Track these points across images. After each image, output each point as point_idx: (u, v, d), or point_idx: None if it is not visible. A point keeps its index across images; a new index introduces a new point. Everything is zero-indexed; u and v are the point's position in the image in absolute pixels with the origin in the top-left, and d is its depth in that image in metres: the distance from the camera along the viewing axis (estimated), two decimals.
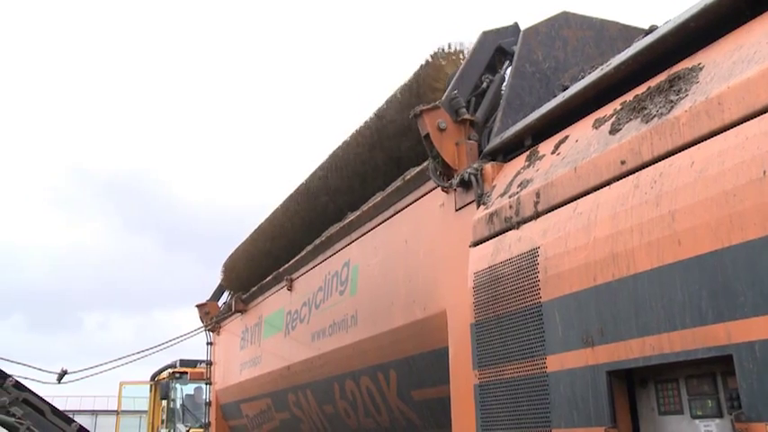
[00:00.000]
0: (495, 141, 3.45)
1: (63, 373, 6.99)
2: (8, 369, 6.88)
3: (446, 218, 3.59)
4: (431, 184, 3.77)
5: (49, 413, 6.74)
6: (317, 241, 5.28)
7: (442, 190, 3.60)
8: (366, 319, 4.40)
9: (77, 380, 7.09)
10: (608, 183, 2.39)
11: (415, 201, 4.00)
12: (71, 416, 7.12)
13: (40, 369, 6.92)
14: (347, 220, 4.82)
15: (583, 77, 3.11)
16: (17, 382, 6.73)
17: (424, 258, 3.84)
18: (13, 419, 6.45)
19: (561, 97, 3.09)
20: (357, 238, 4.70)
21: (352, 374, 4.61)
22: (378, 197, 4.43)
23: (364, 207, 4.60)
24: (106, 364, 7.14)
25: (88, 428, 7.05)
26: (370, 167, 4.80)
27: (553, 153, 2.90)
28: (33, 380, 6.92)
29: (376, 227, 4.44)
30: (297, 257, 5.65)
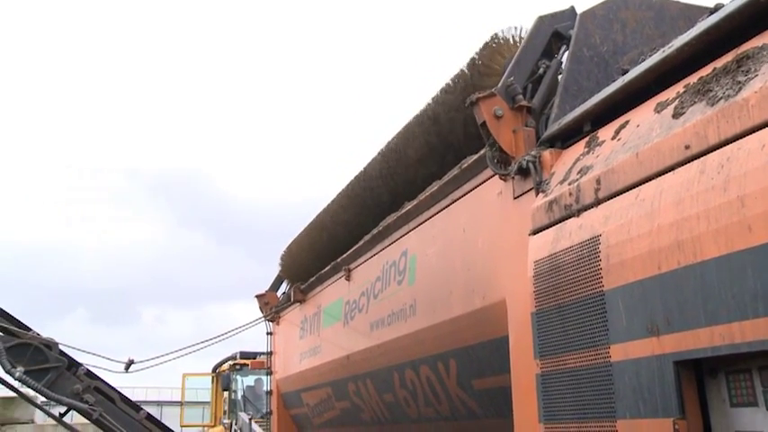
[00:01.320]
0: (553, 128, 3.40)
1: (130, 363, 7.19)
2: (79, 358, 7.13)
3: (504, 206, 3.56)
4: (488, 172, 3.73)
5: (119, 401, 6.96)
6: (375, 231, 5.30)
7: (500, 178, 3.56)
8: (425, 309, 4.40)
9: (144, 369, 7.27)
10: (672, 168, 2.33)
11: (473, 189, 3.98)
12: None
13: (108, 358, 7.12)
14: (404, 210, 4.82)
15: (643, 60, 3.03)
16: (88, 370, 6.97)
17: (482, 247, 3.82)
18: (86, 406, 6.68)
19: (621, 81, 3.02)
20: (414, 228, 4.69)
21: (411, 364, 4.62)
22: (435, 186, 4.42)
23: (421, 196, 4.59)
24: (171, 353, 7.30)
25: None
26: (426, 156, 4.79)
27: (613, 139, 2.84)
28: (102, 368, 7.13)
29: (433, 216, 4.43)
30: (354, 247, 5.68)
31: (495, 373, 3.67)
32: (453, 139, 4.44)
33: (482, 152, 3.76)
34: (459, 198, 4.14)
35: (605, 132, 2.98)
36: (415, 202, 4.69)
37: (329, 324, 6.21)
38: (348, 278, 5.81)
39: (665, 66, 2.75)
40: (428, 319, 4.34)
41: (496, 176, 3.60)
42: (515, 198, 3.46)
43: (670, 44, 2.79)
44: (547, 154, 3.31)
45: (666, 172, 2.36)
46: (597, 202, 2.71)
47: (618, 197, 2.58)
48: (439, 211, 4.38)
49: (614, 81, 3.16)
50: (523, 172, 3.36)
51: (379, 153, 5.49)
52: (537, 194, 3.22)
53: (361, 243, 5.58)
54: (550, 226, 3.00)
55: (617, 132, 2.84)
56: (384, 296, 5.04)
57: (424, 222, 4.58)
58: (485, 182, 3.84)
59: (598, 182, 2.72)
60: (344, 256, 5.89)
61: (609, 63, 3.63)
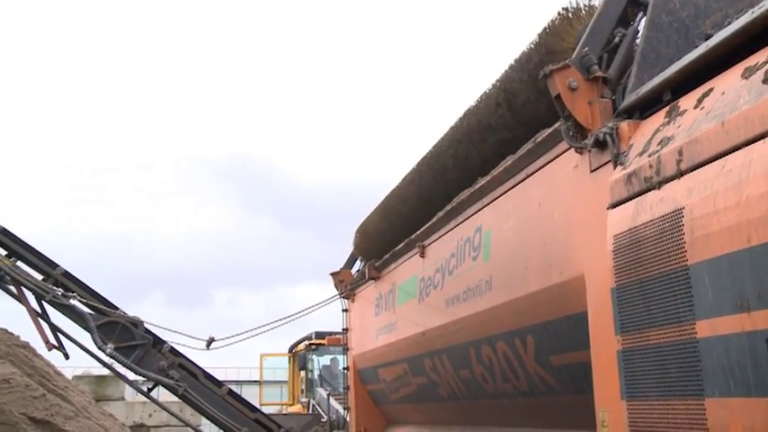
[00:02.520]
0: (631, 98, 3.30)
1: (211, 340, 7.41)
2: (162, 336, 7.39)
3: (581, 180, 3.49)
4: (563, 145, 3.67)
5: (202, 377, 7.21)
6: (448, 207, 5.28)
7: (576, 151, 3.49)
8: (500, 285, 4.38)
9: (224, 346, 7.47)
10: (762, 137, 2.23)
11: (548, 163, 3.91)
12: None
13: (190, 336, 7.36)
14: (478, 185, 4.79)
15: (729, 23, 2.90)
16: (172, 347, 7.23)
17: (558, 222, 3.76)
18: (172, 381, 6.95)
19: (704, 47, 2.90)
20: (489, 203, 4.66)
21: (488, 340, 4.61)
22: (508, 161, 4.37)
23: (495, 171, 4.55)
24: (250, 331, 7.49)
25: None
26: (499, 131, 4.74)
27: (696, 107, 2.74)
28: (185, 345, 7.37)
29: (508, 191, 4.39)
30: (428, 224, 5.68)
31: (574, 348, 3.63)
32: (525, 113, 4.37)
33: (557, 125, 3.69)
34: (534, 172, 4.08)
35: (687, 101, 2.87)
36: (488, 177, 4.65)
37: (404, 301, 6.25)
38: (422, 255, 5.82)
39: (755, 28, 2.62)
40: (504, 295, 4.31)
41: (572, 150, 3.53)
42: (592, 171, 3.39)
43: (760, 4, 2.65)
44: (624, 125, 3.22)
45: (756, 141, 2.26)
46: (679, 174, 2.62)
47: (702, 168, 2.50)
48: (513, 186, 4.33)
49: (696, 47, 3.04)
50: (600, 144, 3.28)
51: (449, 130, 5.45)
52: (615, 167, 3.14)
53: (434, 220, 5.57)
54: (630, 199, 2.92)
55: (700, 101, 2.74)
56: (459, 272, 5.03)
57: (498, 198, 4.54)
58: (560, 155, 3.77)
59: (680, 153, 2.64)
60: (418, 232, 5.90)
61: (690, 28, 3.49)
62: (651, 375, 2.64)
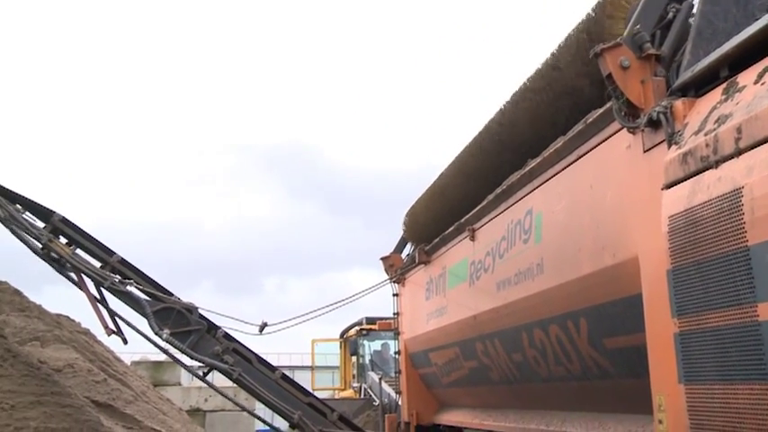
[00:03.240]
0: (686, 75, 3.22)
1: (264, 325, 7.51)
2: (216, 322, 7.53)
3: (634, 160, 3.42)
4: (615, 125, 3.60)
5: (255, 362, 7.33)
6: (498, 190, 5.24)
7: (628, 131, 3.43)
8: (552, 268, 4.34)
9: (277, 331, 7.57)
10: None
11: (599, 144, 3.85)
12: None
13: (243, 321, 7.47)
14: (528, 168, 4.74)
15: None
16: (226, 333, 7.36)
17: (611, 203, 3.70)
18: (226, 366, 7.08)
19: (765, 19, 2.80)
20: (539, 186, 4.61)
21: (540, 323, 4.58)
22: (559, 142, 4.31)
23: (545, 153, 4.50)
24: (302, 315, 7.57)
25: None
26: (548, 111, 4.68)
27: (756, 83, 2.65)
28: (238, 331, 7.49)
29: (558, 173, 4.33)
30: (478, 207, 5.66)
31: (629, 331, 3.58)
32: (575, 94, 4.31)
33: (608, 105, 3.63)
34: (585, 153, 4.02)
35: (746, 77, 2.78)
36: (538, 159, 4.60)
37: (455, 284, 6.24)
38: (472, 238, 5.80)
39: None
40: (556, 278, 4.27)
41: (624, 130, 3.46)
42: (645, 151, 3.32)
43: None
44: (679, 104, 3.14)
45: None
46: (738, 153, 2.55)
47: (763, 146, 2.42)
48: (564, 168, 4.27)
49: (757, 20, 2.94)
50: (654, 124, 3.21)
51: (499, 111, 5.40)
52: (669, 147, 3.07)
53: (484, 203, 5.54)
54: (685, 179, 2.85)
55: (760, 76, 2.65)
56: (510, 255, 5.00)
57: (548, 180, 4.49)
58: (612, 136, 3.71)
59: (739, 131, 2.56)
60: (468, 216, 5.87)
61: (749, 0, 3.38)
62: (711, 359, 2.59)
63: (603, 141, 3.80)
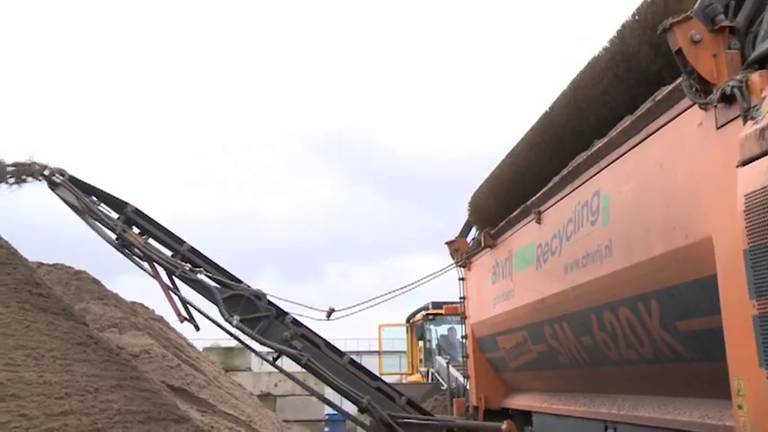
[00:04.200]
0: (763, 47, 3.09)
1: (331, 311, 7.59)
2: (284, 308, 7.64)
3: (706, 137, 3.32)
4: (685, 102, 3.50)
5: (324, 347, 7.41)
6: (564, 172, 5.16)
7: (700, 107, 3.32)
8: (621, 249, 4.26)
9: (344, 316, 7.64)
10: None
11: (669, 122, 3.75)
12: None
13: (310, 307, 7.56)
14: (594, 148, 4.65)
15: None
16: (294, 319, 7.46)
17: (682, 182, 3.60)
18: (295, 351, 7.18)
19: None
20: (606, 166, 4.52)
21: (609, 305, 4.50)
22: (626, 121, 4.21)
23: (612, 133, 4.40)
24: (369, 301, 7.62)
25: None
26: (614, 90, 4.58)
27: None
28: (306, 317, 7.58)
29: (626, 152, 4.24)
30: (544, 189, 5.58)
31: (703, 314, 3.49)
32: (643, 72, 4.20)
33: (678, 81, 3.52)
34: (654, 132, 3.92)
35: None
36: (605, 139, 4.51)
37: (521, 268, 6.18)
38: (539, 221, 5.73)
39: None
40: (626, 260, 4.19)
41: (696, 106, 3.36)
42: (719, 128, 3.21)
43: None
44: (756, 77, 3.01)
45: None
46: None
47: None
48: (632, 148, 4.17)
49: None
50: (728, 99, 3.10)
51: (564, 92, 5.31)
52: (745, 122, 2.96)
53: (550, 185, 5.46)
54: (763, 155, 2.75)
55: None
56: (577, 238, 4.92)
57: (616, 160, 4.39)
58: (682, 113, 3.60)
59: None
60: (534, 198, 5.81)
61: None
62: None
63: (673, 119, 3.70)
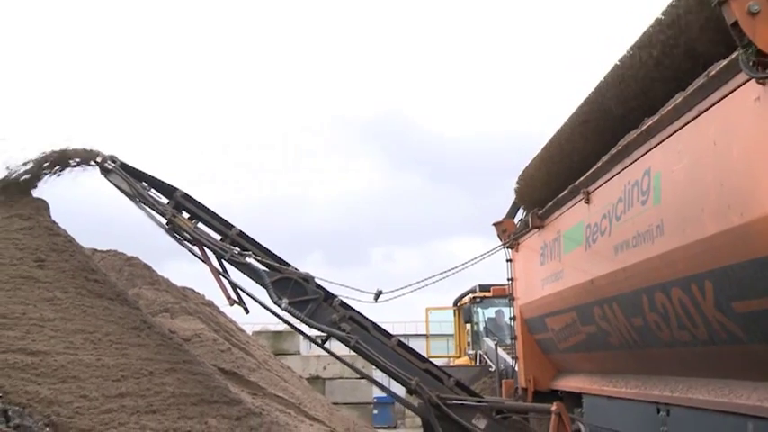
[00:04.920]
0: None
1: (379, 293, 7.62)
2: (331, 291, 7.70)
3: (764, 113, 3.23)
4: (741, 77, 3.40)
5: (372, 329, 7.44)
6: (614, 151, 5.08)
7: (757, 82, 3.23)
8: (673, 229, 4.18)
9: (392, 299, 7.66)
10: None
11: (724, 98, 3.65)
12: None
13: (358, 290, 7.59)
14: (645, 126, 4.56)
15: None
16: (342, 301, 7.51)
17: (737, 160, 3.52)
18: (344, 333, 7.23)
19: None
20: (657, 144, 4.43)
21: (661, 286, 4.43)
22: (678, 98, 4.12)
23: (663, 110, 4.31)
24: (416, 284, 7.63)
25: None
26: (665, 66, 4.48)
27: None
28: (353, 299, 7.62)
29: (678, 130, 4.15)
30: (593, 169, 5.50)
31: (760, 295, 3.41)
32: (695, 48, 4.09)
33: (733, 56, 3.43)
34: (708, 109, 3.82)
35: None
36: (656, 116, 4.42)
37: (570, 249, 6.12)
38: (587, 201, 5.66)
39: None
40: (678, 240, 4.11)
41: (752, 81, 3.27)
42: None
43: None
44: None
45: None
46: None
47: None
48: (684, 125, 4.09)
49: None
50: None
51: (612, 70, 5.21)
52: None
53: (599, 164, 5.38)
54: None
55: None
56: (627, 217, 4.85)
57: (667, 138, 4.31)
58: (738, 88, 3.51)
59: None
60: (582, 178, 5.73)
61: None
62: None
63: (728, 95, 3.60)
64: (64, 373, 6.68)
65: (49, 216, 8.64)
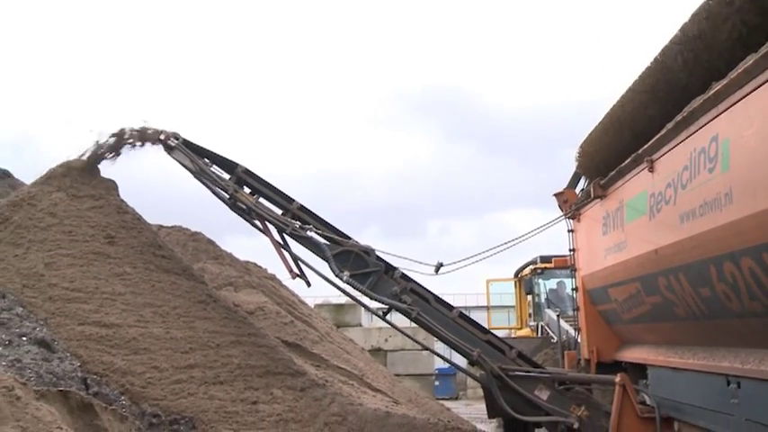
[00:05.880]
0: None
1: (439, 265, 7.63)
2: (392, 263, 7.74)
3: None
4: None
5: (433, 301, 7.48)
6: (679, 117, 4.94)
7: None
8: (743, 197, 4.06)
9: (453, 270, 7.67)
10: None
11: None
12: None
13: (419, 262, 7.62)
14: (712, 91, 4.42)
15: None
16: (403, 273, 7.56)
17: None
18: (405, 305, 7.30)
19: None
20: (725, 110, 4.29)
21: (730, 256, 4.31)
22: (749, 60, 3.97)
23: (732, 74, 4.17)
24: (476, 255, 7.62)
25: None
26: (734, 27, 4.32)
27: None
28: (413, 271, 7.66)
29: (748, 94, 4.00)
30: (657, 137, 5.37)
31: None
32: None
33: None
34: None
35: None
36: (724, 81, 4.27)
37: (633, 218, 6.01)
38: (651, 169, 5.53)
39: None
40: (748, 207, 3.99)
41: None
42: None
43: None
44: None
45: None
46: None
47: None
48: (755, 89, 3.94)
49: None
50: None
51: (677, 34, 5.05)
52: None
53: (663, 131, 5.24)
54: None
55: None
56: (693, 185, 4.73)
57: (736, 103, 4.16)
58: None
59: None
60: (646, 146, 5.60)
61: None
62: None
63: None
64: (136, 344, 6.93)
65: (118, 195, 8.93)
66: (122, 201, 8.87)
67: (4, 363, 5.29)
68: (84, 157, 8.90)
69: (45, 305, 7.09)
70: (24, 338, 6.04)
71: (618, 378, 6.42)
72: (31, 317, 6.71)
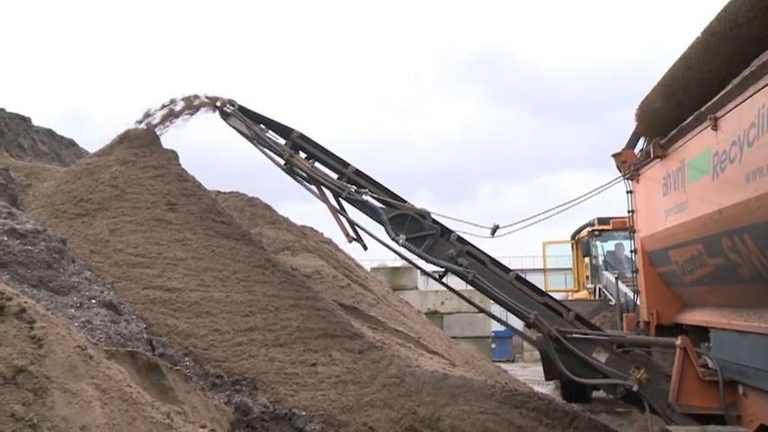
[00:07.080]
0: None
1: (495, 228, 7.57)
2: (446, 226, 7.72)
3: None
4: None
5: (489, 263, 7.46)
6: (746, 72, 4.77)
7: None
8: None
9: (509, 233, 7.61)
10: None
11: None
12: None
13: (474, 224, 7.59)
14: None
15: None
16: (459, 236, 7.54)
17: None
18: (461, 268, 7.29)
19: None
20: None
21: None
22: None
23: None
24: (533, 217, 7.54)
25: None
26: None
27: None
28: (469, 233, 7.63)
29: None
30: (721, 93, 5.20)
31: None
32: None
33: None
34: None
35: None
36: None
37: (695, 178, 5.86)
38: (715, 128, 5.37)
39: None
40: None
41: None
42: None
43: None
44: None
45: None
46: None
47: None
48: None
49: None
50: None
51: None
52: None
53: (728, 88, 5.07)
54: None
55: None
56: (761, 143, 4.58)
57: None
58: None
59: None
60: (709, 104, 5.43)
61: None
62: None
63: None
64: (198, 308, 7.12)
65: (179, 164, 9.11)
66: (183, 169, 9.06)
67: (76, 324, 5.50)
68: (143, 126, 9.09)
69: (111, 270, 7.33)
70: (93, 301, 6.27)
71: (679, 340, 6.33)
72: (99, 281, 6.95)
